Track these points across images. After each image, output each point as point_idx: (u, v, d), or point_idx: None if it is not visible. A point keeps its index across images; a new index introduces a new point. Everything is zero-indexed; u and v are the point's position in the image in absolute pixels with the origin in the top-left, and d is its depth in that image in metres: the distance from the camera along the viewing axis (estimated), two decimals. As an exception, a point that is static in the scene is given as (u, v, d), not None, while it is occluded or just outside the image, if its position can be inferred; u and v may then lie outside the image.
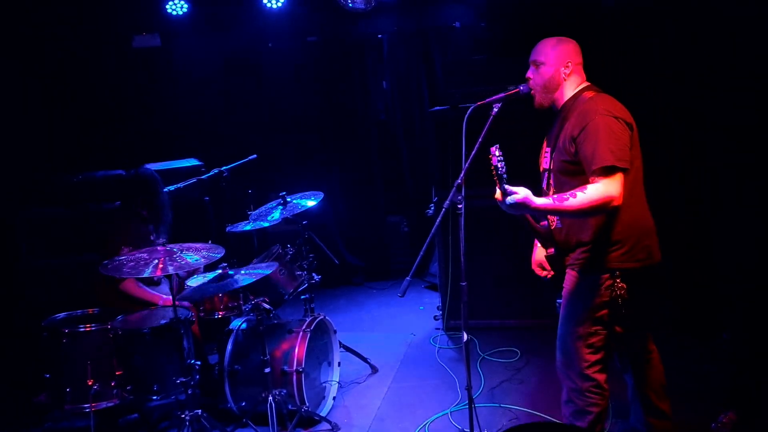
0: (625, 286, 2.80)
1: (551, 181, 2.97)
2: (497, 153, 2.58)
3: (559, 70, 2.93)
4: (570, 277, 2.96)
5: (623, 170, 2.68)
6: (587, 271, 2.87)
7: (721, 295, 4.61)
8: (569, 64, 2.93)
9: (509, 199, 2.61)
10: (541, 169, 3.07)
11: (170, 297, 3.97)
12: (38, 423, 4.09)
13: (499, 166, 2.58)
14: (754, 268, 4.44)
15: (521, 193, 2.62)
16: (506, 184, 2.60)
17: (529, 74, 3.01)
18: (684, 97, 4.67)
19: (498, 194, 2.66)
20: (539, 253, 3.19)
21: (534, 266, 3.23)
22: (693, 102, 4.65)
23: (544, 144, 3.08)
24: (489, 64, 4.99)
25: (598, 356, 2.90)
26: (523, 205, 2.63)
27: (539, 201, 2.66)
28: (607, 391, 2.94)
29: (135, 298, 4.04)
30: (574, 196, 2.65)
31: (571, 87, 2.96)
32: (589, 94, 2.91)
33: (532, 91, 3.00)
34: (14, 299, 4.70)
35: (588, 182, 2.70)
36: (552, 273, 3.11)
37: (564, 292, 2.99)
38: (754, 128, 4.31)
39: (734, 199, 4.52)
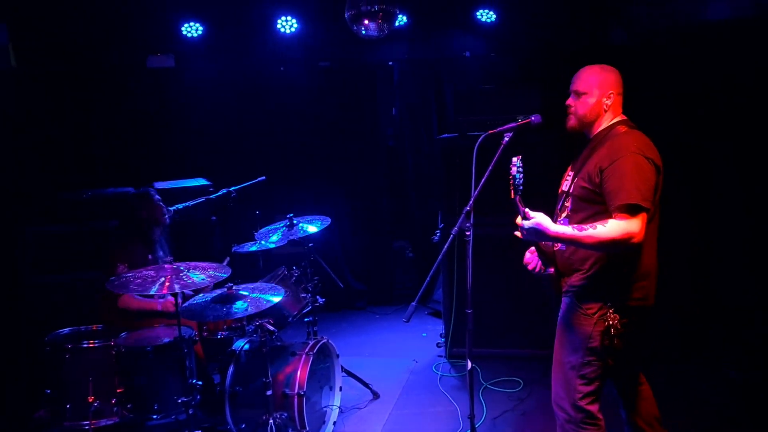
0: (618, 317, 2.78)
1: (567, 204, 2.95)
2: (518, 163, 2.59)
3: (601, 101, 2.91)
4: (565, 305, 2.95)
5: (646, 210, 2.67)
6: (581, 300, 2.86)
7: (729, 332, 4.60)
8: (611, 94, 2.91)
9: (525, 224, 2.63)
10: (560, 191, 3.06)
11: (167, 299, 3.97)
12: (36, 440, 4.07)
13: (517, 176, 2.59)
14: (761, 301, 4.43)
15: (537, 218, 2.64)
16: (527, 209, 2.60)
17: (570, 102, 2.98)
18: (692, 131, 4.73)
19: (519, 219, 2.67)
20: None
21: (528, 251, 3.17)
22: (700, 134, 4.71)
23: (569, 168, 3.06)
24: (498, 94, 5.04)
25: (591, 387, 2.87)
26: (537, 231, 2.64)
27: (555, 228, 2.66)
28: (602, 420, 2.91)
29: (135, 311, 3.99)
30: (594, 228, 2.64)
31: (608, 118, 2.93)
32: (622, 128, 2.88)
33: (570, 115, 2.97)
34: (19, 314, 4.69)
35: (604, 213, 2.71)
36: (539, 267, 3.06)
37: (559, 321, 2.98)
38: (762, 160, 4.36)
39: (741, 231, 4.54)
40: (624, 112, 2.96)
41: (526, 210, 2.62)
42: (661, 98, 4.76)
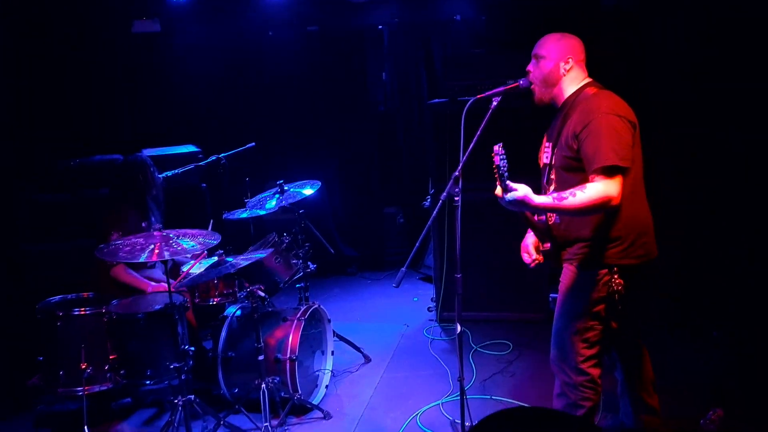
0: (622, 282, 2.81)
1: (552, 176, 2.96)
2: (501, 151, 2.57)
3: (559, 65, 2.92)
4: (567, 272, 2.96)
5: (625, 170, 2.68)
6: (585, 267, 2.88)
7: (713, 292, 4.65)
8: (570, 59, 2.92)
9: (509, 196, 2.62)
10: (541, 165, 3.07)
11: (160, 284, 4.01)
12: (30, 406, 4.10)
13: (501, 165, 2.57)
14: (748, 266, 4.47)
15: (521, 190, 2.62)
16: (508, 180, 2.60)
17: (530, 67, 3.00)
18: (681, 94, 4.69)
19: (498, 191, 2.66)
20: (529, 239, 3.17)
21: (522, 251, 3.19)
22: (691, 98, 4.68)
23: (545, 139, 3.07)
24: (488, 58, 4.99)
25: (593, 351, 2.91)
26: (522, 203, 2.63)
27: (539, 199, 2.66)
28: (600, 386, 2.96)
29: (125, 284, 4.03)
30: (574, 195, 2.65)
31: (573, 83, 2.94)
32: (591, 90, 2.90)
33: (532, 86, 2.99)
34: (11, 283, 4.69)
35: (588, 180, 2.71)
36: (539, 260, 3.09)
37: (561, 287, 2.99)
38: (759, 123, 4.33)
39: (732, 196, 4.55)
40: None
41: (508, 183, 2.61)
42: (659, 67, 4.70)
